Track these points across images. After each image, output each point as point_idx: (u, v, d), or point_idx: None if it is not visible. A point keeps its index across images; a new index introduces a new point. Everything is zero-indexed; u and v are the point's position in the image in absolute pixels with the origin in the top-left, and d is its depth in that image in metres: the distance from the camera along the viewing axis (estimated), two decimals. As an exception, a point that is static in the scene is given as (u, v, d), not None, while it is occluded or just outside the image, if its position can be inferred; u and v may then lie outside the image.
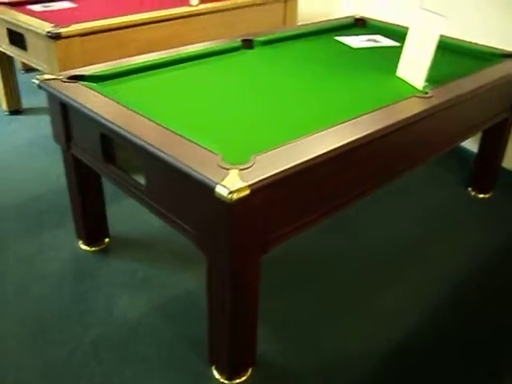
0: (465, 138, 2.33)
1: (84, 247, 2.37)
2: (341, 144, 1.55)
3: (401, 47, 2.65)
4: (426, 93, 1.99)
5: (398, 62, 2.28)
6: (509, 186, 2.97)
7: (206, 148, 1.49)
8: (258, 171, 1.37)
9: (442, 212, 2.74)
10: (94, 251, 2.36)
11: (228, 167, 1.38)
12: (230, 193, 1.27)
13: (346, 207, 1.77)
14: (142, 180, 1.69)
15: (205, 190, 1.34)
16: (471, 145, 3.16)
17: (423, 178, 3.01)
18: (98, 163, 1.90)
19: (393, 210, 2.72)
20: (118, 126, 1.62)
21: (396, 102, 1.88)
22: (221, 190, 1.29)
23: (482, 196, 2.89)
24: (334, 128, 1.64)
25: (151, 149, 1.50)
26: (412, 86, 2.13)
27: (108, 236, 2.41)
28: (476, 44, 2.64)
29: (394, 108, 1.83)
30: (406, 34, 2.81)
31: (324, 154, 1.50)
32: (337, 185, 1.67)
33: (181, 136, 1.56)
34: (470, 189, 2.94)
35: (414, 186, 2.91)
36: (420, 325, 2.01)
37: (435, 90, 2.02)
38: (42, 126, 3.47)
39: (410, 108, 1.84)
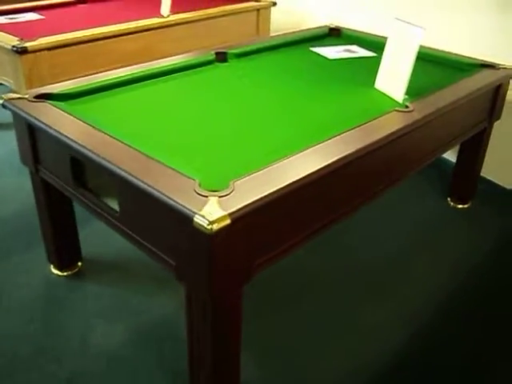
0: (445, 150, 2.29)
1: (56, 272, 2.27)
2: (322, 166, 1.49)
3: (378, 57, 2.62)
4: (407, 106, 1.95)
5: (374, 73, 2.24)
6: (487, 196, 2.95)
7: (182, 173, 1.41)
8: (238, 198, 1.30)
9: (423, 224, 2.71)
10: (66, 276, 2.26)
11: (206, 194, 1.31)
12: (210, 223, 1.20)
13: (331, 226, 1.70)
14: (115, 205, 1.60)
15: (183, 219, 1.27)
16: (450, 155, 3.14)
17: (401, 190, 2.98)
18: (68, 187, 1.80)
19: (374, 224, 2.68)
20: (89, 150, 1.54)
21: (376, 118, 1.83)
22: (200, 221, 1.22)
23: (461, 206, 2.87)
24: (314, 148, 1.58)
25: (125, 175, 1.42)
26: (391, 99, 2.08)
27: (81, 259, 2.31)
28: (453, 54, 2.61)
29: (375, 124, 1.79)
30: (382, 44, 2.77)
31: (304, 177, 1.44)
32: (320, 206, 1.61)
33: (155, 160, 1.48)
34: (449, 199, 2.91)
35: (393, 198, 2.87)
36: (407, 341, 1.96)
37: (416, 103, 1.98)
38: (9, 141, 3.34)
39: (392, 124, 1.80)
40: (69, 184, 1.79)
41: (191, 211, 1.24)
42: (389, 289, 2.23)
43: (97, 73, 2.89)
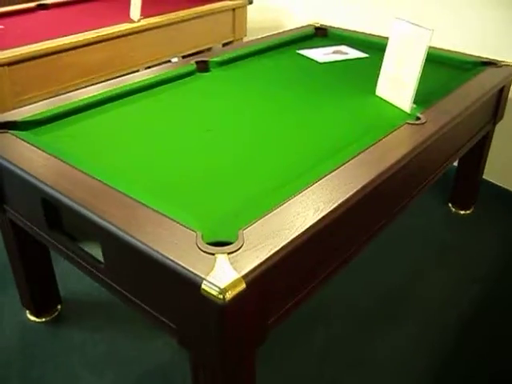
0: (455, 160, 2.10)
1: (32, 318, 2.01)
2: (341, 201, 1.28)
3: (371, 59, 2.43)
4: (418, 117, 1.75)
5: (372, 77, 2.04)
6: (490, 200, 2.78)
7: (179, 222, 1.18)
8: (252, 253, 1.08)
9: (425, 234, 2.53)
10: (44, 322, 2.01)
11: (213, 251, 1.08)
12: (222, 291, 0.98)
13: (350, 261, 1.50)
14: (99, 256, 1.36)
15: (186, 283, 1.04)
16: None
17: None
18: (40, 232, 1.56)
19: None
20: (64, 195, 1.30)
21: (388, 134, 1.62)
22: (209, 288, 1.00)
23: (463, 212, 2.70)
24: (327, 179, 1.37)
25: (109, 227, 1.18)
26: (398, 109, 1.88)
27: (60, 301, 2.06)
28: (452, 52, 2.42)
29: (388, 142, 1.58)
30: (372, 43, 2.60)
31: (324, 217, 1.22)
32: (338, 243, 1.40)
33: (144, 205, 1.25)
34: (450, 205, 2.74)
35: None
36: (418, 375, 1.77)
37: (427, 113, 1.78)
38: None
39: (407, 140, 1.60)
40: (41, 228, 1.54)
41: (197, 275, 1.02)
42: (398, 318, 2.04)
43: (63, 88, 2.66)
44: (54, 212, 1.46)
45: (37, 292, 1.96)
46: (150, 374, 1.80)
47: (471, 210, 2.71)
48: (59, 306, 2.05)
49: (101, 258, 1.35)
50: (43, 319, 2.01)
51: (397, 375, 1.79)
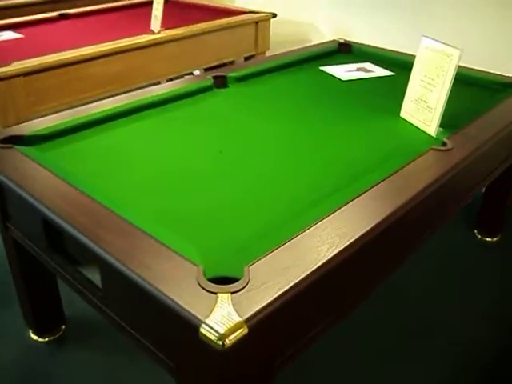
0: (482, 187, 1.98)
1: (35, 337, 1.94)
2: (358, 236, 1.18)
3: (396, 77, 2.33)
4: (444, 143, 1.64)
5: (396, 97, 1.94)
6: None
7: (180, 255, 1.09)
8: (258, 293, 0.99)
9: (449, 262, 2.40)
10: (47, 342, 1.94)
11: (214, 290, 0.99)
12: (221, 337, 0.89)
13: (366, 299, 1.39)
14: (98, 282, 1.29)
15: (184, 323, 0.95)
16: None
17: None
18: (41, 253, 1.49)
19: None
20: (64, 220, 1.22)
21: (411, 160, 1.52)
22: (208, 332, 0.90)
23: (489, 239, 2.57)
24: (343, 210, 1.27)
25: (106, 257, 1.10)
26: (423, 132, 1.78)
27: (64, 321, 1.99)
28: (481, 71, 2.31)
29: (412, 169, 1.48)
30: (398, 61, 2.50)
31: (340, 252, 1.12)
32: (355, 279, 1.30)
33: (145, 234, 1.16)
34: (476, 231, 2.61)
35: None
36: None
37: (453, 138, 1.68)
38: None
39: (432, 168, 1.50)
40: (42, 249, 1.47)
41: (195, 317, 0.93)
42: (414, 353, 1.92)
43: (79, 99, 2.61)
44: (56, 234, 1.39)
45: (40, 311, 1.90)
46: (153, 403, 1.71)
47: (498, 237, 2.57)
48: (63, 327, 1.98)
49: (99, 285, 1.28)
50: (46, 339, 1.94)
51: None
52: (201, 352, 0.97)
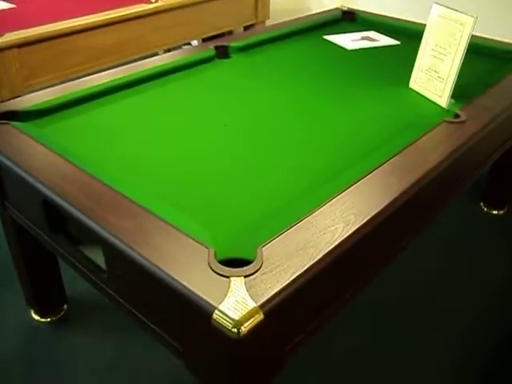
0: (492, 161, 1.92)
1: (37, 317, 1.90)
2: (375, 213, 1.13)
3: (402, 47, 2.26)
4: (457, 115, 1.58)
5: (404, 67, 1.88)
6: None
7: (190, 236, 1.04)
8: (272, 276, 0.94)
9: (455, 235, 2.36)
10: (49, 322, 1.90)
11: (227, 273, 0.94)
12: (236, 324, 0.84)
13: (373, 281, 1.35)
14: (102, 263, 1.24)
15: (196, 310, 0.91)
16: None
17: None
18: (41, 233, 1.43)
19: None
20: (65, 200, 1.17)
21: (424, 133, 1.46)
22: (221, 319, 0.86)
23: (496, 212, 2.53)
24: (357, 186, 1.22)
25: (112, 240, 1.05)
26: (434, 103, 1.71)
27: (66, 301, 1.95)
28: (494, 40, 2.23)
29: (425, 143, 1.42)
30: (404, 29, 2.42)
31: (355, 233, 1.07)
32: (367, 257, 1.25)
33: (152, 214, 1.11)
34: (482, 204, 2.56)
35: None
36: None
37: (466, 110, 1.61)
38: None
39: (445, 141, 1.43)
40: (43, 230, 1.42)
41: (207, 303, 0.88)
42: (426, 320, 1.89)
43: (74, 72, 2.53)
44: (56, 214, 1.33)
45: (41, 291, 1.85)
46: (159, 382, 1.68)
47: (504, 210, 2.53)
48: (65, 306, 1.94)
49: (103, 266, 1.23)
50: (48, 319, 1.91)
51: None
52: (212, 338, 0.92)
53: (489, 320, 1.92)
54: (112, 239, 1.05)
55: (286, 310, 0.96)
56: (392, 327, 1.88)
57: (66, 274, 1.91)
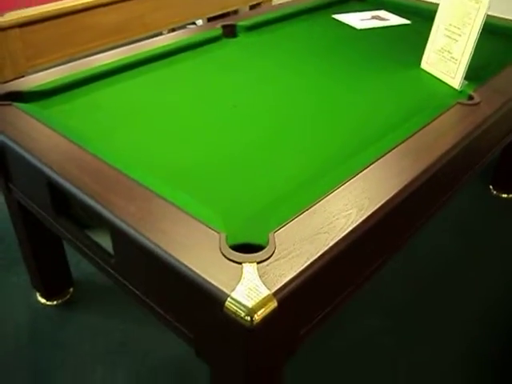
0: (505, 144, 1.88)
1: (42, 300, 1.89)
2: (388, 198, 1.10)
3: (413, 26, 2.21)
4: (471, 97, 1.54)
5: (415, 47, 1.84)
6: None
7: (200, 221, 1.01)
8: (285, 262, 0.91)
9: (463, 218, 2.33)
10: (55, 305, 1.89)
11: (239, 259, 0.91)
12: (249, 312, 0.82)
13: (385, 265, 1.32)
14: (109, 248, 1.21)
15: (207, 297, 0.88)
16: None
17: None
18: (47, 217, 1.41)
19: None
20: (71, 183, 1.14)
21: (437, 116, 1.43)
22: (234, 307, 0.83)
23: (505, 196, 2.50)
24: (371, 169, 1.19)
25: (120, 224, 1.02)
26: (446, 85, 1.67)
27: (72, 284, 1.93)
28: (506, 19, 2.18)
29: (439, 126, 1.38)
30: (415, 9, 2.36)
31: (369, 218, 1.04)
32: (381, 241, 1.23)
33: (160, 197, 1.08)
34: (491, 187, 2.53)
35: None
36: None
37: (480, 92, 1.57)
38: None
39: (460, 124, 1.40)
40: (48, 213, 1.39)
41: (219, 290, 0.86)
42: (433, 308, 1.88)
43: (78, 51, 2.48)
44: (62, 197, 1.31)
45: (47, 274, 1.84)
46: (165, 367, 1.67)
47: (514, 193, 2.50)
48: (71, 289, 1.93)
49: (111, 251, 1.20)
50: (54, 302, 1.89)
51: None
52: (224, 325, 0.90)
53: (499, 302, 1.89)
54: (120, 223, 1.03)
55: (300, 297, 0.93)
56: (401, 311, 1.86)
57: (72, 257, 1.90)
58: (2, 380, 1.62)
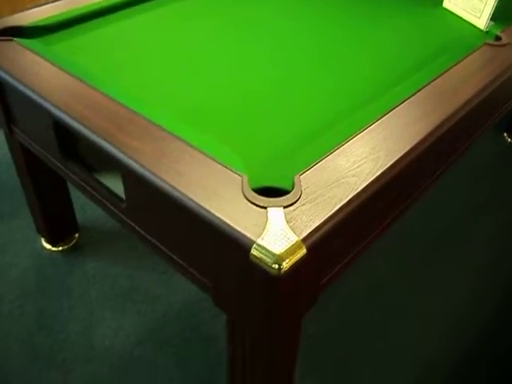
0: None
1: (48, 246, 1.85)
2: (415, 142, 1.04)
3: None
4: (498, 37, 1.46)
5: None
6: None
7: (219, 162, 0.95)
8: (313, 207, 0.86)
9: (476, 166, 2.27)
10: (61, 251, 1.85)
11: (264, 203, 0.86)
12: (277, 260, 0.77)
13: (408, 208, 1.28)
14: (121, 192, 1.16)
15: (229, 244, 0.84)
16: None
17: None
18: (52, 159, 1.35)
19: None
20: (80, 123, 1.07)
21: (464, 57, 1.35)
22: (261, 254, 0.78)
23: (519, 143, 2.45)
24: (395, 112, 1.12)
25: (132, 165, 0.96)
26: (472, 25, 1.59)
27: (77, 229, 1.89)
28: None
29: (467, 67, 1.31)
30: None
31: (397, 162, 0.99)
32: (402, 190, 1.17)
33: (177, 138, 1.02)
34: (505, 134, 2.47)
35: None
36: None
37: (507, 32, 1.49)
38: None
39: (488, 66, 1.32)
40: (54, 155, 1.33)
41: (244, 236, 0.81)
42: (448, 260, 1.85)
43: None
44: (69, 138, 1.24)
45: (52, 219, 1.79)
46: (175, 313, 1.65)
47: (528, 141, 2.45)
48: (76, 235, 1.88)
49: (122, 195, 1.15)
50: (59, 248, 1.85)
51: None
52: (248, 276, 0.85)
53: (502, 247, 1.87)
54: (133, 165, 0.97)
55: (326, 244, 0.89)
56: (410, 261, 1.83)
57: (77, 201, 1.84)
58: (9, 326, 1.60)
